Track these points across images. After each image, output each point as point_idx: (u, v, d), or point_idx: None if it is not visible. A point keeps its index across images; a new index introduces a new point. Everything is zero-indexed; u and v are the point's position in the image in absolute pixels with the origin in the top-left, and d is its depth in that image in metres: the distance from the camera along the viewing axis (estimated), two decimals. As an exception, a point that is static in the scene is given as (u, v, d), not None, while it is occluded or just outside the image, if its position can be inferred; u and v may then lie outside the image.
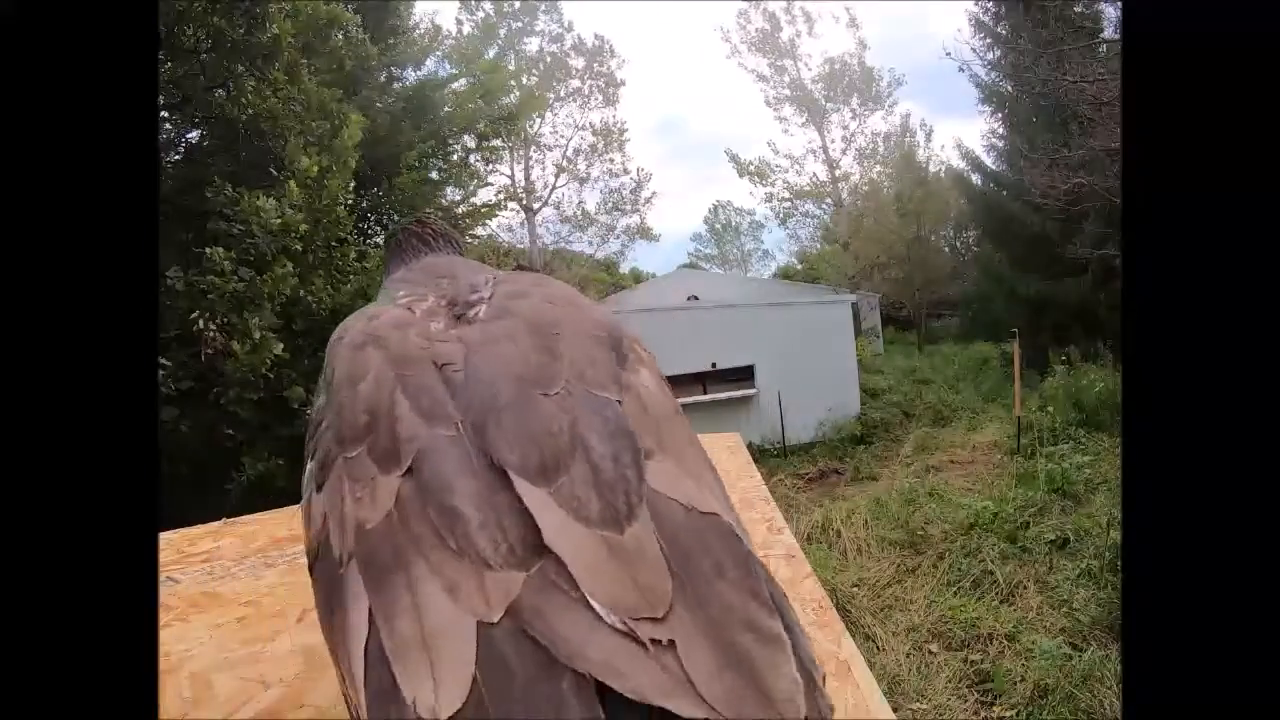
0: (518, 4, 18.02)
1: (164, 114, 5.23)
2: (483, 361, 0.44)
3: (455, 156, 7.51)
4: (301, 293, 4.86)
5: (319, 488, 0.43)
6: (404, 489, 0.37)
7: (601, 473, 0.37)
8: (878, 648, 3.77)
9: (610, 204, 20.39)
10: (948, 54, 12.85)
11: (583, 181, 19.97)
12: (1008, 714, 3.21)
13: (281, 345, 4.51)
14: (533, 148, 18.94)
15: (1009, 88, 12.81)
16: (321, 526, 0.41)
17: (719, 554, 0.35)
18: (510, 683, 0.29)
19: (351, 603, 0.35)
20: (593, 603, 0.31)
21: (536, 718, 0.28)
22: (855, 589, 4.55)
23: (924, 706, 3.27)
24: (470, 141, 7.66)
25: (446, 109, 7.36)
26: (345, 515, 0.39)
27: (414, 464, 0.38)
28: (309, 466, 0.46)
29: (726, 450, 2.06)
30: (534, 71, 18.26)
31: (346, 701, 0.36)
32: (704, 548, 0.35)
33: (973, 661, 3.62)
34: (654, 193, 21.62)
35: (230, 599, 0.97)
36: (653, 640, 0.30)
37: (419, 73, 8.09)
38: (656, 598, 0.31)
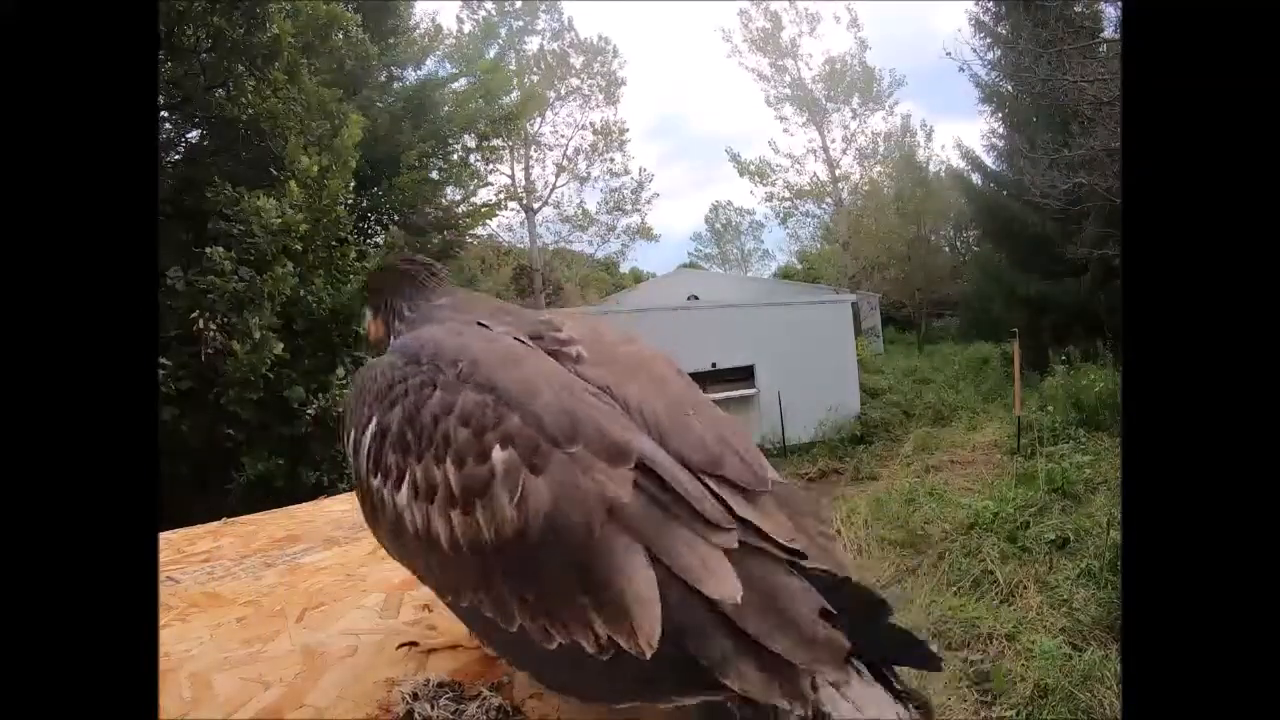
0: (519, 3, 18.00)
1: (164, 114, 5.23)
2: (631, 393, 0.63)
3: (455, 156, 7.50)
4: (301, 293, 4.86)
5: (536, 470, 0.55)
6: (639, 478, 0.55)
7: (745, 458, 0.60)
8: (878, 647, 3.76)
9: (610, 204, 20.36)
10: (948, 54, 12.86)
11: (583, 181, 19.95)
12: (1008, 714, 3.20)
13: (281, 345, 4.51)
14: (533, 147, 18.91)
15: (1009, 88, 12.80)
16: (554, 507, 0.54)
17: (806, 504, 0.59)
18: (752, 574, 0.51)
19: (623, 552, 0.52)
20: (776, 538, 0.54)
21: (774, 590, 0.51)
22: (855, 589, 4.54)
23: (924, 706, 3.26)
24: (470, 141, 7.65)
25: (446, 109, 7.35)
26: (588, 494, 0.53)
27: (641, 461, 0.55)
28: (500, 457, 0.56)
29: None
30: (534, 70, 18.22)
31: (582, 621, 0.52)
32: (798, 500, 0.59)
33: (973, 661, 3.62)
34: (655, 193, 21.59)
35: (230, 599, 0.97)
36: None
37: (419, 72, 8.08)
38: (793, 536, 0.55)
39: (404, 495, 0.61)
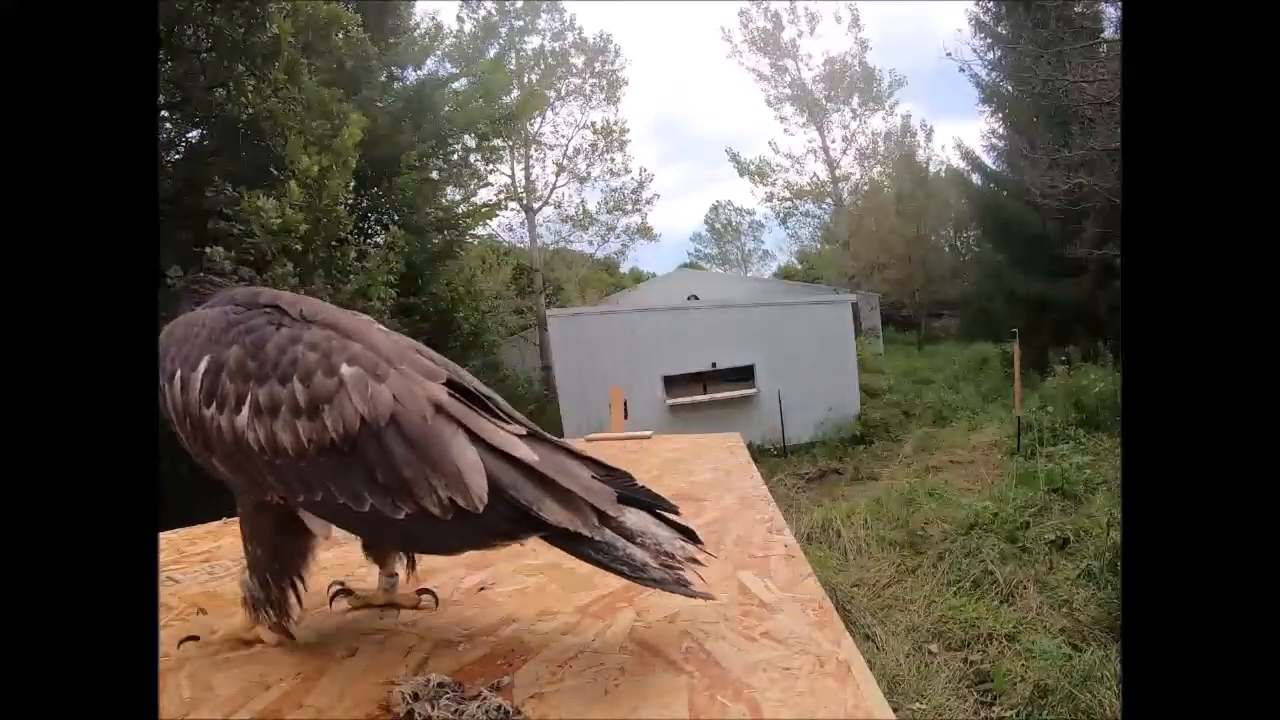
0: (519, 3, 17.98)
1: (164, 114, 5.23)
2: (419, 346, 0.81)
3: (455, 156, 7.51)
4: (301, 292, 4.86)
5: (380, 379, 0.71)
6: (448, 389, 0.73)
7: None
8: (878, 648, 3.77)
9: (610, 204, 20.34)
10: (948, 54, 12.88)
11: (583, 181, 19.93)
12: (1008, 714, 3.20)
13: (281, 345, 4.50)
14: (533, 147, 18.89)
15: (1009, 88, 12.80)
16: (393, 401, 0.69)
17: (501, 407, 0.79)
18: (540, 449, 0.71)
19: (451, 434, 0.69)
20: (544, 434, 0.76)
21: (556, 459, 0.72)
22: (855, 589, 4.55)
23: (924, 706, 3.26)
24: (470, 141, 7.66)
25: (447, 109, 7.36)
26: (417, 396, 0.70)
27: (448, 379, 0.74)
28: (348, 370, 0.71)
29: (727, 450, 2.05)
30: (535, 70, 18.21)
31: (427, 489, 0.67)
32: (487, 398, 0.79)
33: (973, 661, 3.62)
34: (655, 193, 21.55)
35: (230, 599, 0.97)
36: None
37: (419, 72, 8.09)
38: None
39: (244, 416, 0.72)
